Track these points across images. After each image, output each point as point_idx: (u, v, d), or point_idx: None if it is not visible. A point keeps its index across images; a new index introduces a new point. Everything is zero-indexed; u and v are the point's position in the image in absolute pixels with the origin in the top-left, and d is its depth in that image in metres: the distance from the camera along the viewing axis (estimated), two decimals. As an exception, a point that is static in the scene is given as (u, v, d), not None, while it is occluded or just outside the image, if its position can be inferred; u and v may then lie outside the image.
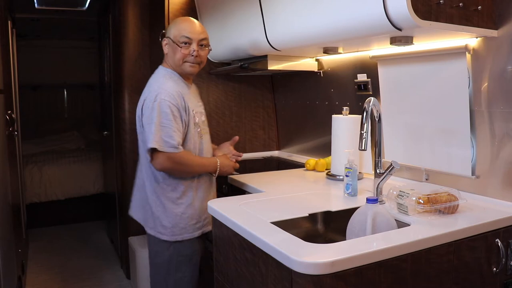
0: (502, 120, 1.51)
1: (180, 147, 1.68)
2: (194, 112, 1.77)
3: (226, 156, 1.87)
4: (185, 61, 1.73)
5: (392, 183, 1.68)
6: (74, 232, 4.22)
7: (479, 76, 1.56)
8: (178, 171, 1.71)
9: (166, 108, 1.65)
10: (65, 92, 5.88)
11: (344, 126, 2.06)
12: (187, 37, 1.71)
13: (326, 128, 2.28)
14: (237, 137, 1.98)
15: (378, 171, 1.62)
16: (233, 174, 2.06)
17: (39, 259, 3.54)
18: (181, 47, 1.71)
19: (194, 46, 1.72)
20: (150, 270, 1.85)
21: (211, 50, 1.84)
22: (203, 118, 1.86)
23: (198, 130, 1.78)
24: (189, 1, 2.57)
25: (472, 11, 1.43)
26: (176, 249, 1.76)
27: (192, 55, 1.72)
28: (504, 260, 1.38)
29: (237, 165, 1.91)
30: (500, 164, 1.53)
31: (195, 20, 1.79)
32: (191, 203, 1.76)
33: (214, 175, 1.83)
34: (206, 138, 1.86)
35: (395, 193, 1.49)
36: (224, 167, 1.82)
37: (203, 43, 1.75)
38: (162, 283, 1.78)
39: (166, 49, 1.76)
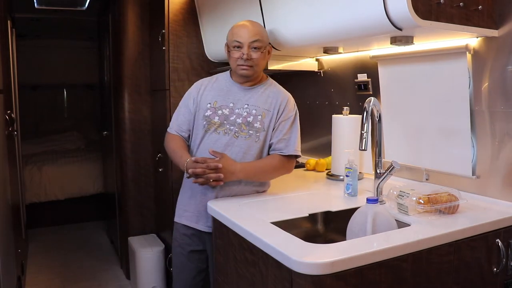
0: (502, 120, 1.51)
1: (173, 129, 1.82)
2: (210, 105, 1.75)
3: (195, 159, 1.64)
4: (238, 65, 1.71)
5: (392, 183, 1.67)
6: (74, 232, 4.21)
7: (480, 76, 1.56)
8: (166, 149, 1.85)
9: (184, 96, 1.86)
10: (65, 92, 5.87)
11: (344, 126, 2.06)
12: (237, 41, 1.69)
13: (326, 128, 2.27)
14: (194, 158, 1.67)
15: (378, 171, 1.62)
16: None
17: (38, 259, 3.53)
18: (231, 51, 1.73)
19: (244, 49, 1.68)
20: None
21: (262, 52, 1.71)
22: (230, 116, 1.72)
23: (204, 123, 1.75)
24: (189, 1, 2.57)
25: (473, 11, 1.42)
26: None
27: (243, 58, 1.69)
28: (504, 260, 1.38)
29: (197, 171, 1.61)
30: (500, 164, 1.53)
31: (251, 23, 1.72)
32: (181, 191, 1.87)
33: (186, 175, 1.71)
34: (215, 136, 1.72)
35: (395, 193, 1.48)
36: (187, 170, 1.65)
37: (256, 46, 1.69)
38: None
39: (226, 54, 1.79)
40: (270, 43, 1.79)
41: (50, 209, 4.32)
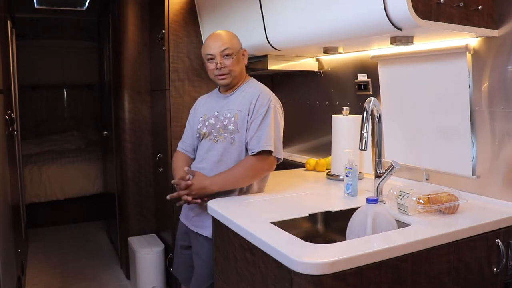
0: (502, 120, 1.51)
1: (180, 147, 1.96)
2: (201, 119, 1.86)
3: (173, 182, 1.77)
4: (215, 75, 1.77)
5: (392, 183, 1.67)
6: (74, 232, 4.21)
7: (480, 76, 1.56)
8: None
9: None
10: (65, 92, 5.87)
11: (344, 126, 2.06)
12: (209, 54, 1.76)
13: (326, 128, 2.27)
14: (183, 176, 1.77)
15: (378, 171, 1.62)
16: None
17: (38, 259, 3.53)
18: (206, 65, 1.80)
19: (217, 59, 1.74)
20: None
21: (234, 57, 1.74)
22: (215, 124, 1.78)
23: (197, 135, 1.87)
24: (189, 1, 2.57)
25: (473, 11, 1.42)
26: None
27: (218, 68, 1.74)
28: (504, 260, 1.38)
29: (173, 196, 1.74)
30: (500, 164, 1.53)
31: (219, 33, 1.78)
32: None
33: None
34: (202, 143, 1.83)
35: (395, 193, 1.48)
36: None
37: (227, 53, 1.74)
38: None
39: (206, 68, 1.84)
40: (242, 48, 1.81)
41: (50, 209, 4.32)
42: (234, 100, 1.80)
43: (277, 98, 1.79)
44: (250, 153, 1.71)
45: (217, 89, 1.93)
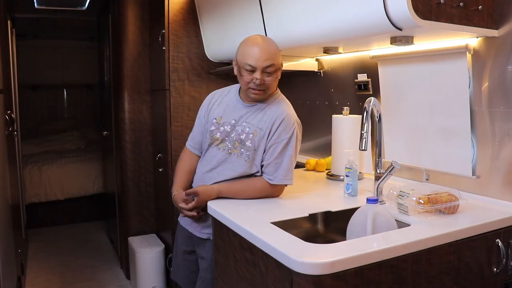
0: (502, 120, 1.51)
1: (189, 143, 1.86)
2: (215, 121, 1.74)
3: (181, 194, 1.73)
4: (249, 88, 1.63)
5: (393, 183, 1.67)
6: (74, 232, 4.21)
7: (480, 76, 1.56)
8: None
9: (200, 108, 1.87)
10: (65, 92, 5.87)
11: (344, 126, 2.06)
12: (249, 65, 1.59)
13: (326, 128, 2.27)
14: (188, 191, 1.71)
15: (378, 171, 1.62)
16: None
17: (38, 259, 3.53)
18: (243, 75, 1.63)
19: (257, 74, 1.59)
20: None
21: (275, 75, 1.64)
22: (230, 133, 1.70)
23: (208, 137, 1.75)
24: (189, 1, 2.57)
25: (473, 11, 1.42)
26: None
27: (255, 83, 1.60)
28: (504, 260, 1.38)
29: (184, 208, 1.69)
30: (500, 164, 1.53)
31: (265, 43, 1.62)
32: None
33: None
34: (214, 151, 1.72)
35: (395, 193, 1.48)
36: (174, 202, 1.75)
37: (269, 70, 1.60)
38: None
39: (235, 69, 1.68)
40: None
41: (50, 209, 4.32)
42: (256, 114, 1.69)
43: (299, 120, 1.71)
44: (266, 178, 1.66)
45: (236, 90, 1.77)
